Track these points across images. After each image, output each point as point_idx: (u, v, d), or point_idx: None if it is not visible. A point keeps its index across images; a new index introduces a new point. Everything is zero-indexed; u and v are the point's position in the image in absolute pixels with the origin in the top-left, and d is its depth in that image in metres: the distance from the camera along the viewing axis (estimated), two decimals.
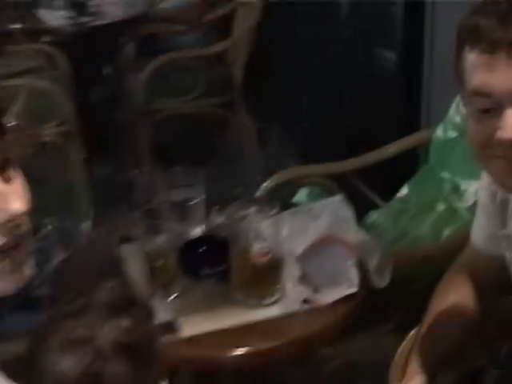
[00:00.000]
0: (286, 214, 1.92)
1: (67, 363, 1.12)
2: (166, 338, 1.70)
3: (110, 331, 1.15)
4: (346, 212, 1.96)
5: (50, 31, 4.84)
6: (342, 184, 2.66)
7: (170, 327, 1.75)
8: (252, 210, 1.78)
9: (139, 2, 5.15)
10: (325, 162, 2.89)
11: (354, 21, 3.94)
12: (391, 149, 2.82)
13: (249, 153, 4.51)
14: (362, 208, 2.39)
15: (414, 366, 1.70)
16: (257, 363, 1.89)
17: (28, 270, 1.09)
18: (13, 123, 2.31)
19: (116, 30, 4.95)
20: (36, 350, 1.17)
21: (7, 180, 1.06)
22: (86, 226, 2.52)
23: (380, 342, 2.17)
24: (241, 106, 4.51)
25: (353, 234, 1.88)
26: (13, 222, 1.04)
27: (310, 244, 1.81)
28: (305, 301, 1.80)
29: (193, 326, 1.76)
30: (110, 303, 1.19)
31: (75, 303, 1.20)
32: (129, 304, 1.21)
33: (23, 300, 2.18)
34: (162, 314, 1.77)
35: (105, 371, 1.12)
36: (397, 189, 2.76)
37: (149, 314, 1.26)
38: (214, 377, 2.03)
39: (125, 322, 1.17)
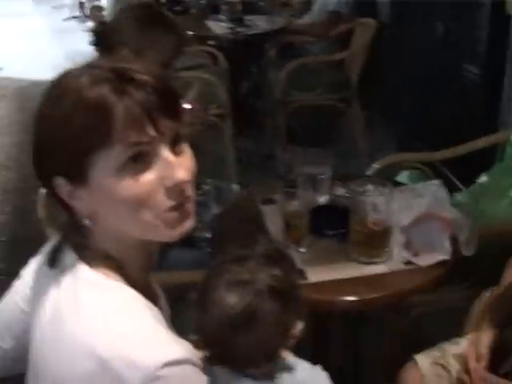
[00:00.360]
0: (395, 192, 1.83)
1: (232, 299, 1.12)
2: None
3: (266, 277, 1.14)
4: (443, 194, 1.87)
5: (215, 37, 4.85)
6: (431, 169, 2.53)
7: (300, 274, 1.68)
8: (370, 186, 1.71)
9: (281, 19, 5.10)
10: (421, 151, 2.80)
11: (448, 40, 3.78)
12: (474, 144, 2.68)
13: (360, 139, 4.40)
14: (448, 189, 2.27)
15: (487, 320, 1.63)
16: (362, 308, 1.84)
17: (190, 223, 1.02)
18: (187, 106, 2.28)
19: (263, 38, 4.93)
20: (207, 286, 1.16)
21: (178, 153, 0.99)
22: (236, 187, 2.48)
23: (461, 296, 2.05)
24: (355, 102, 4.37)
25: (448, 211, 1.78)
26: (178, 187, 0.98)
27: (414, 218, 1.73)
28: (406, 263, 1.72)
29: (317, 275, 1.70)
30: (267, 255, 1.18)
31: (239, 252, 1.20)
32: (280, 257, 1.20)
33: (188, 240, 2.16)
34: None
35: (260, 309, 1.11)
36: (476, 176, 2.61)
37: (293, 265, 1.25)
38: (327, 317, 1.98)
39: (277, 271, 1.16)
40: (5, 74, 7.42)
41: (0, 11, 11.58)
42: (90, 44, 2.06)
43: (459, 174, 3.14)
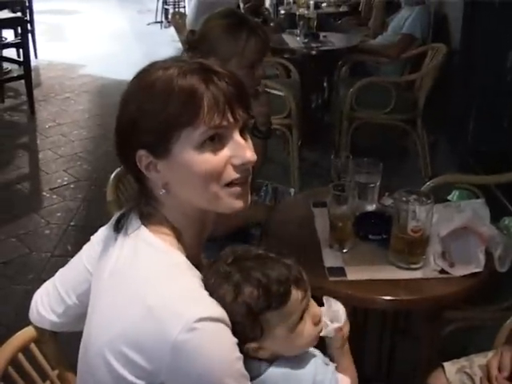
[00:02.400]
0: (438, 206, 1.90)
1: (222, 292, 1.15)
2: (337, 279, 1.76)
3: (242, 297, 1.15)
4: (484, 211, 1.91)
5: (289, 50, 4.98)
6: (486, 192, 2.57)
7: (340, 271, 1.79)
8: (413, 197, 1.78)
9: (355, 38, 5.22)
10: (476, 174, 2.83)
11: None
12: None
13: (422, 161, 4.43)
14: (498, 212, 2.31)
15: None
16: (398, 308, 1.89)
17: (247, 201, 1.20)
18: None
19: (336, 55, 5.05)
20: (205, 276, 1.19)
21: (244, 139, 1.18)
22: (292, 190, 2.58)
23: (496, 315, 2.10)
24: (420, 124, 4.40)
25: (486, 228, 1.82)
26: (245, 165, 1.16)
27: (452, 229, 1.78)
28: (441, 271, 1.78)
29: (356, 274, 1.79)
30: (245, 276, 1.17)
31: (225, 268, 1.19)
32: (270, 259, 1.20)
33: (242, 236, 2.23)
34: (335, 261, 1.84)
35: (241, 299, 1.14)
36: None
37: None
38: (366, 312, 2.05)
39: (250, 291, 1.15)
40: (88, 71, 7.76)
41: (86, 13, 12.09)
42: (183, 53, 2.21)
43: None
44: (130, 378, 1.06)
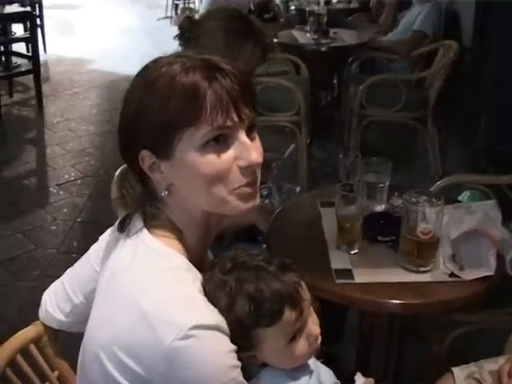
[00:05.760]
0: (449, 207, 1.86)
1: (217, 299, 1.12)
2: (343, 281, 1.72)
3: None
4: (496, 214, 1.87)
5: (299, 47, 4.93)
6: (497, 192, 2.53)
7: (347, 274, 1.76)
8: (423, 198, 1.74)
9: (365, 35, 5.18)
10: (488, 173, 2.79)
11: None
12: None
13: (432, 159, 4.38)
14: (511, 213, 2.27)
15: None
16: (406, 312, 1.86)
17: (256, 201, 1.15)
18: None
19: (346, 52, 5.01)
20: (204, 279, 1.16)
21: (252, 138, 1.12)
22: (298, 189, 2.54)
23: (506, 319, 2.06)
24: (431, 122, 4.35)
25: (497, 231, 1.79)
26: (251, 168, 1.11)
27: (463, 232, 1.74)
28: (451, 274, 1.75)
29: (364, 276, 1.75)
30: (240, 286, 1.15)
31: (222, 277, 1.16)
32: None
33: (250, 235, 2.22)
34: (343, 263, 1.81)
35: (233, 310, 1.11)
36: None
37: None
38: (373, 315, 2.02)
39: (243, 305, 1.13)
40: (97, 66, 7.74)
41: (96, 8, 12.08)
42: (175, 38, 2.12)
43: None
44: (123, 382, 1.04)
